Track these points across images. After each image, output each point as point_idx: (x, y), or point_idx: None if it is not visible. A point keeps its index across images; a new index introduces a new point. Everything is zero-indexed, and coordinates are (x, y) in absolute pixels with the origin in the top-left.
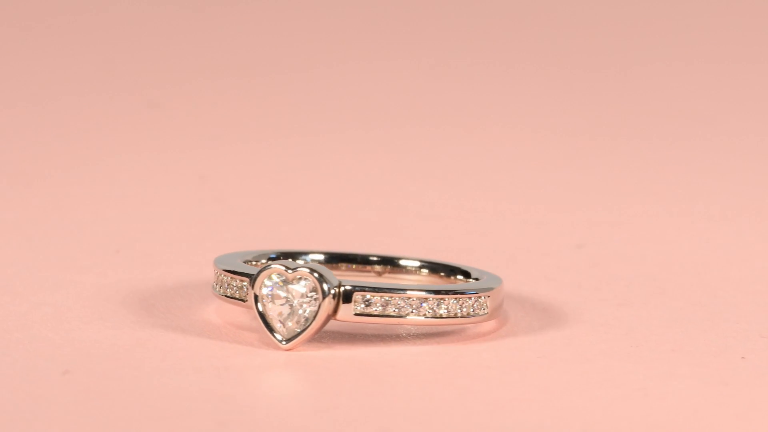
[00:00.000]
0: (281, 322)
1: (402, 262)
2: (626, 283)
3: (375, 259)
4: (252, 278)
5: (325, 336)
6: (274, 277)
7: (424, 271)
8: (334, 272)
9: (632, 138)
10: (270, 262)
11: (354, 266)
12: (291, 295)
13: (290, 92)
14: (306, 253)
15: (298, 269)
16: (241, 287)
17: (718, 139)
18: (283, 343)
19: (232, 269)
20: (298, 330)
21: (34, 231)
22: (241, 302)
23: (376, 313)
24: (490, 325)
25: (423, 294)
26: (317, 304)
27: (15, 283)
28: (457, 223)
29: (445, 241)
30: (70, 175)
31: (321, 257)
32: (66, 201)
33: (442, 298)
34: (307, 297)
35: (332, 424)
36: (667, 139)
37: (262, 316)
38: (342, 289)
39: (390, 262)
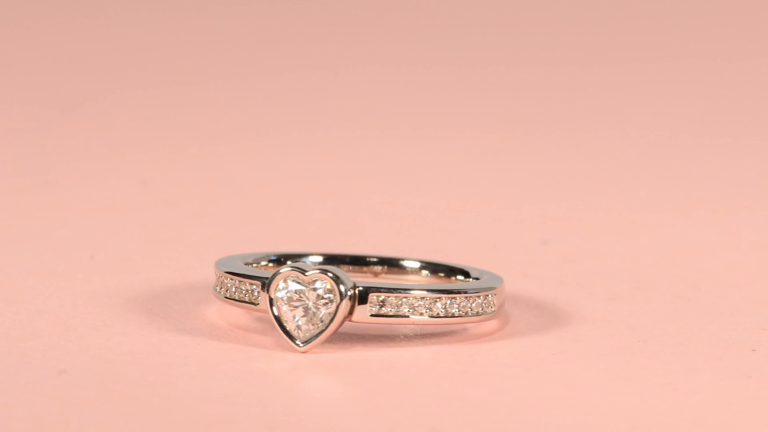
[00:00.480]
0: (297, 325)
1: (402, 263)
2: (605, 277)
3: (374, 259)
4: (266, 281)
5: (334, 337)
6: (290, 280)
7: (425, 272)
8: None
9: (599, 133)
10: (283, 265)
11: (351, 267)
12: (307, 297)
13: (280, 93)
14: (305, 255)
15: (314, 272)
16: (251, 290)
17: (684, 132)
18: (300, 345)
19: (242, 273)
20: (315, 332)
21: (4, 237)
22: (251, 305)
23: (391, 313)
24: (491, 324)
25: (436, 294)
26: (334, 305)
27: (3, 291)
28: (420, 222)
29: (406, 239)
30: (28, 181)
31: (320, 258)
32: (28, 207)
33: (453, 297)
34: (323, 299)
35: (382, 426)
36: (640, 133)
37: (278, 319)
38: (357, 290)
39: (390, 263)
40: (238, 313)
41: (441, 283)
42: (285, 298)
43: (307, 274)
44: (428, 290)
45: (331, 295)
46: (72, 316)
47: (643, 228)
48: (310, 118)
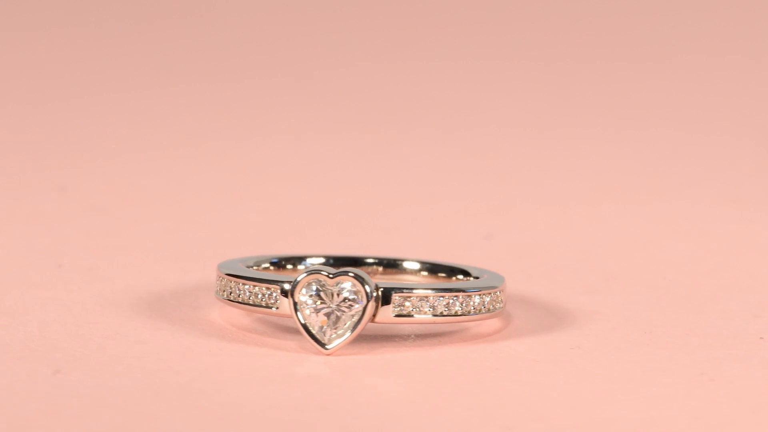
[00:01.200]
0: (322, 328)
1: (402, 264)
2: (572, 270)
3: (374, 261)
4: (287, 286)
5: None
6: (314, 283)
7: (424, 273)
8: None
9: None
10: (307, 267)
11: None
12: (331, 300)
13: (288, 92)
14: (306, 257)
15: (339, 274)
16: (268, 295)
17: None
18: (327, 348)
19: (259, 277)
20: (341, 335)
21: None
22: (267, 310)
23: (413, 313)
24: (493, 322)
25: (454, 293)
26: (360, 307)
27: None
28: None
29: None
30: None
31: (321, 260)
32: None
33: (469, 295)
34: (349, 301)
35: (456, 425)
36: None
37: (303, 322)
38: (380, 291)
39: (389, 264)
40: (237, 315)
41: (443, 282)
42: (310, 302)
43: (332, 276)
44: (448, 290)
45: (358, 297)
46: (82, 325)
47: (599, 219)
48: (308, 119)
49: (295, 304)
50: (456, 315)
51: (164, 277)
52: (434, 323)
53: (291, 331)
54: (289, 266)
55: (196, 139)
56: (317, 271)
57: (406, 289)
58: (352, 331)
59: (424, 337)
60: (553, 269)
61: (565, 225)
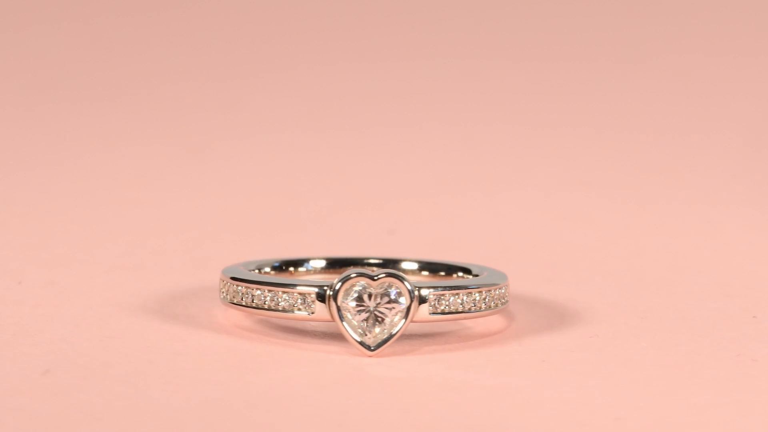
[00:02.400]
0: (365, 330)
1: (402, 265)
2: (546, 265)
3: (375, 261)
4: (325, 290)
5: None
6: (357, 286)
7: (425, 272)
8: (335, 276)
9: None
10: (347, 270)
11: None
12: (371, 302)
13: (288, 92)
14: (306, 260)
15: (382, 276)
16: (300, 300)
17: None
18: (371, 349)
19: (291, 283)
20: (384, 336)
21: None
22: (302, 315)
23: (447, 310)
24: (495, 320)
25: (478, 288)
26: (404, 307)
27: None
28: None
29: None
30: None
31: (323, 263)
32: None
33: (489, 290)
34: (392, 302)
35: (569, 418)
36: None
37: (346, 325)
38: (419, 290)
39: (389, 265)
40: (238, 316)
41: (456, 280)
42: (353, 305)
43: (375, 279)
44: (475, 286)
45: (402, 298)
46: (103, 337)
47: (586, 218)
48: (306, 118)
49: (338, 308)
50: (480, 310)
51: (165, 280)
52: (464, 319)
53: (299, 333)
54: (291, 269)
55: (196, 139)
56: (360, 274)
57: (440, 287)
58: (396, 331)
59: (434, 335)
60: (523, 266)
61: (561, 219)
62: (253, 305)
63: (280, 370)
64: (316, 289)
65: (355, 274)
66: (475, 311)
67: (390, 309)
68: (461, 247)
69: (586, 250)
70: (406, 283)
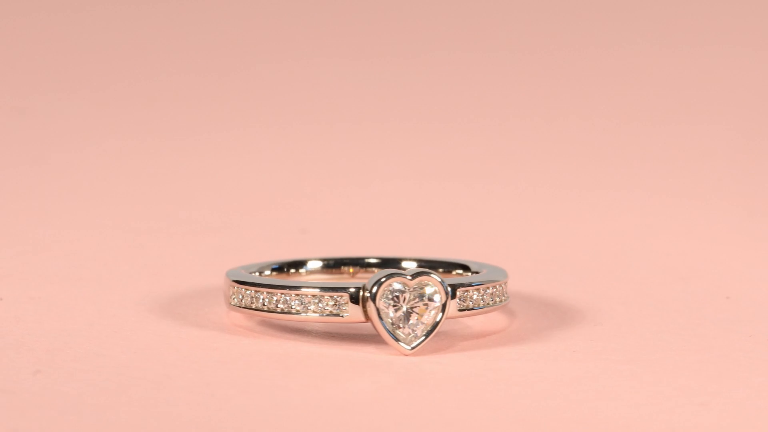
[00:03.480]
0: (401, 329)
1: (402, 264)
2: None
3: (376, 261)
4: (360, 292)
5: (373, 339)
6: (393, 285)
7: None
8: (337, 276)
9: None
10: (381, 272)
11: (351, 270)
12: (406, 301)
13: (286, 93)
14: (305, 261)
15: (419, 276)
16: (332, 303)
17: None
18: (409, 348)
19: (324, 286)
20: (421, 334)
21: None
22: (333, 318)
23: (471, 306)
24: (495, 317)
25: (493, 283)
26: (440, 305)
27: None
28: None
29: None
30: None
31: (320, 264)
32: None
33: (500, 285)
34: (427, 300)
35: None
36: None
37: (384, 325)
38: (450, 287)
39: (388, 264)
40: (240, 318)
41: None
42: (391, 305)
43: (411, 278)
44: (492, 281)
45: (438, 296)
46: (130, 352)
47: (601, 217)
48: (303, 119)
49: (377, 310)
50: (496, 304)
51: (165, 283)
52: (485, 314)
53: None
54: (292, 270)
55: (196, 140)
56: (397, 274)
57: (466, 284)
58: (432, 329)
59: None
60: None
61: (564, 221)
62: (278, 310)
63: (340, 375)
64: (351, 291)
65: (390, 275)
66: (492, 305)
67: (425, 306)
68: (450, 245)
69: (585, 247)
70: (441, 280)
